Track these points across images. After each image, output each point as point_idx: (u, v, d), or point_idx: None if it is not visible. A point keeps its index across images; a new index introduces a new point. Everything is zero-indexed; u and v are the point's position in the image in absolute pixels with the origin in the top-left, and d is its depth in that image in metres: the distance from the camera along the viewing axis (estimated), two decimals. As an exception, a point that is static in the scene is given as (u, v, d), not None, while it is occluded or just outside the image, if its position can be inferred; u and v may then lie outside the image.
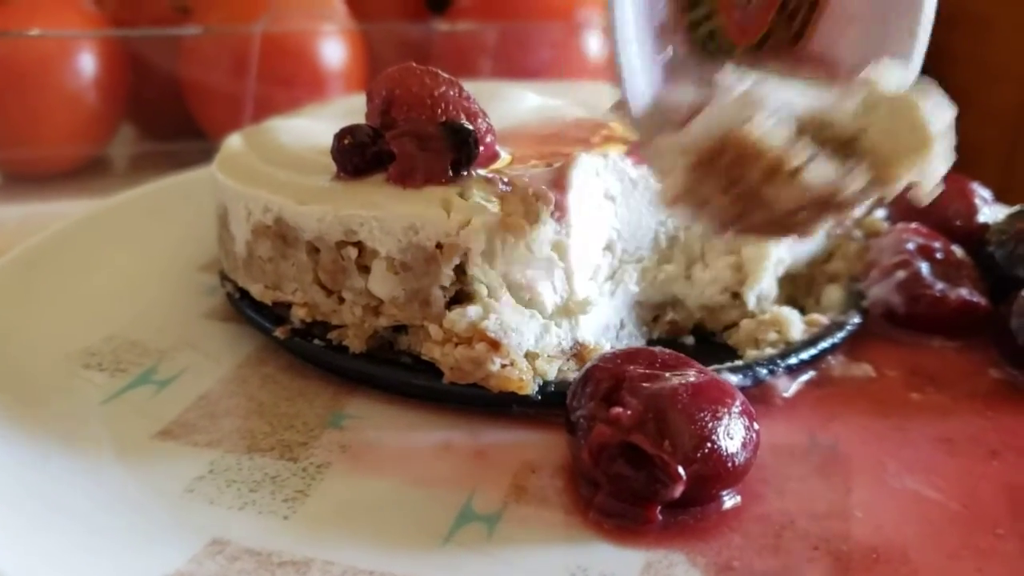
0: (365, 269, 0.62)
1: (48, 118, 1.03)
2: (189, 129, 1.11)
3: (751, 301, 0.72)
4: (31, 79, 1.00)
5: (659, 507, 0.52)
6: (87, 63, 1.03)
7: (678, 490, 0.51)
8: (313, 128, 0.75)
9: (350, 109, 0.73)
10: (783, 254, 0.73)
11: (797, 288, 0.77)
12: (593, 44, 1.16)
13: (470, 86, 0.67)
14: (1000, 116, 2.29)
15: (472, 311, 0.59)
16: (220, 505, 0.54)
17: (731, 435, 0.52)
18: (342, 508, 0.54)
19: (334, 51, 1.07)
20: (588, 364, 0.57)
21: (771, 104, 0.51)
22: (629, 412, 0.52)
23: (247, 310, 0.70)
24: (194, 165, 0.91)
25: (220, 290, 0.75)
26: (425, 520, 0.53)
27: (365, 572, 0.49)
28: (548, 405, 0.60)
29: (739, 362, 0.66)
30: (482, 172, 0.63)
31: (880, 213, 0.80)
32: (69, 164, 1.09)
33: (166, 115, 1.13)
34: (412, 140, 0.61)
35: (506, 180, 0.62)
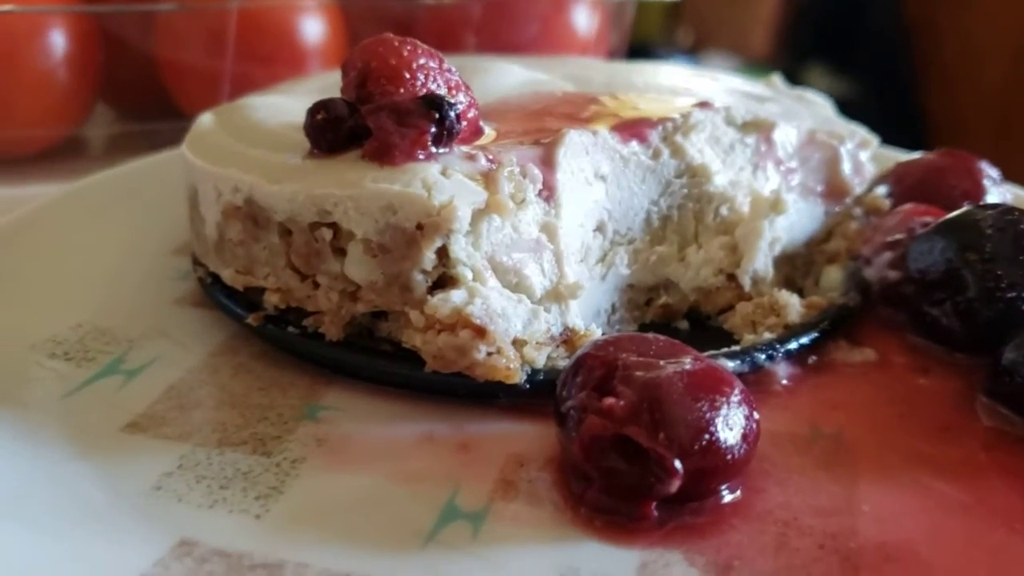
0: (341, 252, 0.60)
1: (18, 98, 1.00)
2: (167, 108, 1.09)
3: (746, 282, 0.71)
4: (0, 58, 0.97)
5: (654, 503, 0.51)
6: (58, 40, 1.01)
7: (674, 485, 0.49)
8: (288, 104, 0.73)
9: (328, 85, 0.71)
10: (779, 233, 0.72)
11: (795, 269, 0.76)
12: (581, 18, 1.14)
13: (453, 61, 0.66)
14: (988, 92, 2.28)
15: (456, 296, 0.58)
16: (189, 503, 0.53)
17: (730, 426, 0.51)
18: (318, 506, 0.53)
19: (313, 27, 1.05)
20: (579, 351, 0.56)
21: None
22: (622, 402, 0.50)
23: (219, 296, 0.69)
24: (173, 145, 0.88)
25: (193, 275, 0.74)
26: (406, 518, 0.52)
27: (341, 575, 0.48)
28: (537, 395, 0.59)
29: (736, 347, 0.65)
30: (465, 148, 0.61)
31: (881, 190, 0.77)
32: (43, 145, 1.07)
33: (143, 94, 1.12)
34: (389, 114, 0.59)
35: (490, 157, 0.61)
